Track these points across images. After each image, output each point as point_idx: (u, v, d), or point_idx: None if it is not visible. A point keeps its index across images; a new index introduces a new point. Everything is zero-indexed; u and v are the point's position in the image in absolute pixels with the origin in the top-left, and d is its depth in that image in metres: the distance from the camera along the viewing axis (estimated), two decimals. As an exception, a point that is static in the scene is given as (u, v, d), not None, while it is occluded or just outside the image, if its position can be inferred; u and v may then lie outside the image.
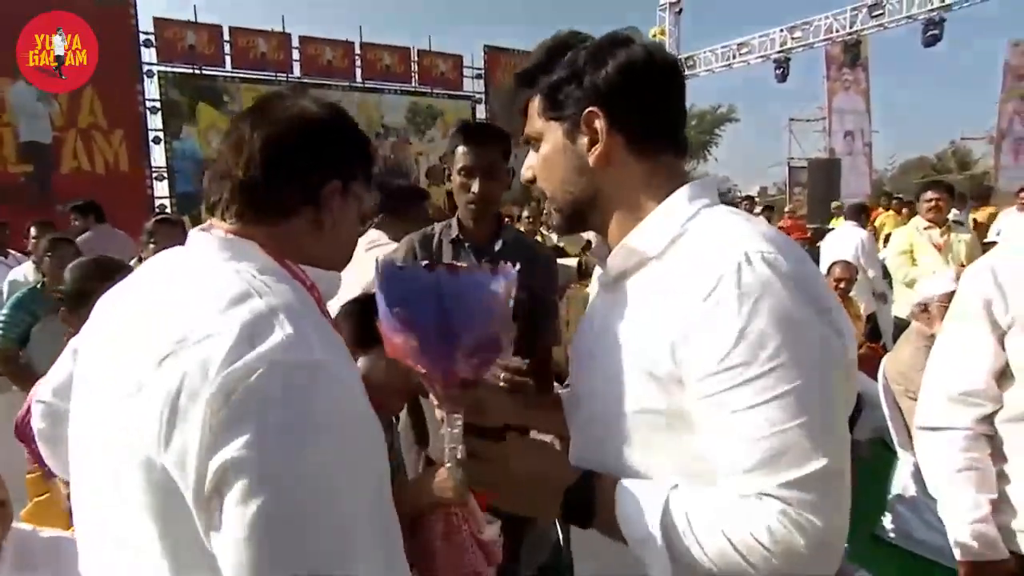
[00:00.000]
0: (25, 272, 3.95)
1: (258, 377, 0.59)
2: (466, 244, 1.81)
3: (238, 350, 0.60)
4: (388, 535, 0.67)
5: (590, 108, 0.81)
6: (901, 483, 2.75)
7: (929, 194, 4.23)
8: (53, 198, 9.30)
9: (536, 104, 0.88)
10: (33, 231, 4.28)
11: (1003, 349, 1.30)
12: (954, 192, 4.65)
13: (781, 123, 21.39)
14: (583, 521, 0.79)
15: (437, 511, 1.22)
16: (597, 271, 1.04)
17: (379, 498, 0.66)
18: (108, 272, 1.68)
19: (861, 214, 5.49)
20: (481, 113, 14.03)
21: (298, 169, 0.76)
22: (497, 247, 1.80)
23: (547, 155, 0.87)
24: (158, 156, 10.79)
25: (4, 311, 2.98)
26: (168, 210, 9.96)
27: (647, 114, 0.83)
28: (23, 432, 1.57)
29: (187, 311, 0.65)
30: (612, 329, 0.84)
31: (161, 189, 10.82)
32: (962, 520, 1.32)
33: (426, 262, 0.91)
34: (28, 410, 1.58)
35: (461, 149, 1.75)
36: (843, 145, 14.16)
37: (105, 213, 4.93)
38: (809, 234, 7.60)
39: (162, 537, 0.63)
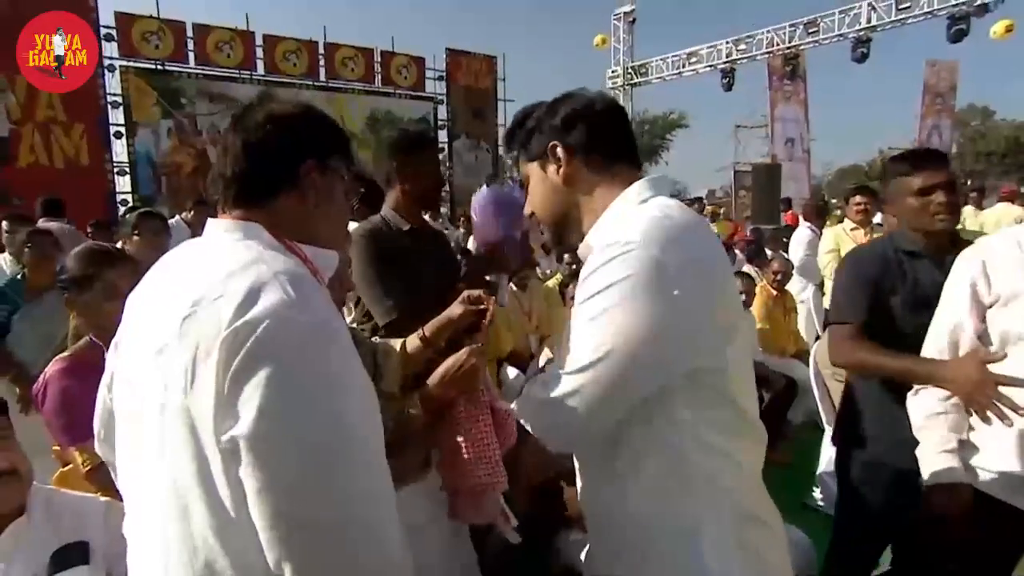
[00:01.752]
0: (2, 261, 3.96)
1: (264, 329, 0.69)
2: (417, 230, 2.06)
3: (245, 306, 0.70)
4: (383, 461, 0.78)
5: (551, 143, 1.06)
6: (827, 457, 3.05)
7: (857, 198, 4.60)
8: (7, 192, 9.10)
9: (521, 157, 1.15)
10: (5, 224, 4.25)
11: (983, 322, 1.53)
12: (879, 196, 4.88)
13: (727, 129, 22.41)
14: None
15: (461, 395, 1.40)
16: None
17: (378, 434, 0.77)
18: (111, 258, 1.77)
19: (821, 215, 5.76)
20: (443, 114, 14.32)
21: (274, 156, 0.87)
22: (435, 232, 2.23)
23: (533, 188, 1.13)
24: (120, 150, 10.64)
25: None
26: (130, 204, 9.87)
27: (596, 139, 1.06)
28: (39, 405, 1.68)
29: (202, 278, 0.75)
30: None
31: (123, 184, 10.67)
32: (932, 452, 1.56)
33: None
34: (44, 384, 1.69)
35: (402, 157, 2.02)
36: (784, 151, 14.99)
37: (66, 207, 4.98)
38: (747, 234, 8.17)
39: (196, 478, 0.72)
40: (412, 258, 1.95)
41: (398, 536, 0.75)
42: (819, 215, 5.77)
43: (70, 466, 1.76)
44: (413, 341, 1.53)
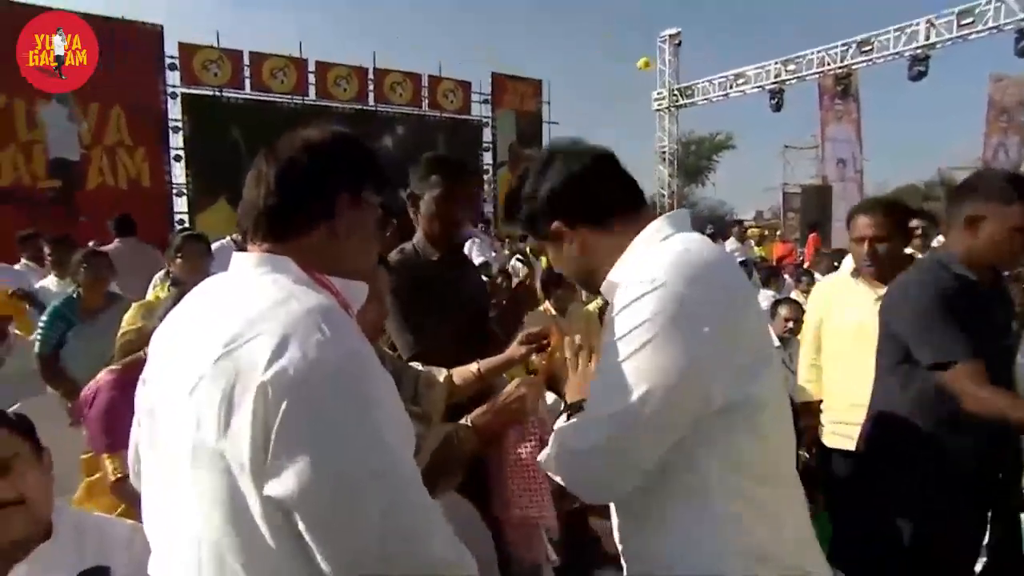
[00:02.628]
0: (50, 282, 4.18)
1: (301, 375, 0.68)
2: (446, 259, 2.02)
3: (280, 350, 0.68)
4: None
5: (554, 224, 1.08)
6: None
7: (914, 222, 4.36)
8: (77, 212, 9.65)
9: (532, 236, 1.18)
10: (48, 248, 4.45)
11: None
12: (937, 220, 4.80)
13: (776, 150, 21.95)
14: None
15: (511, 425, 1.39)
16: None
17: (411, 451, 0.79)
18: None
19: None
20: (488, 136, 14.51)
21: (308, 190, 0.85)
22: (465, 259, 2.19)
23: (554, 257, 1.16)
24: (179, 173, 11.19)
25: (43, 320, 3.18)
26: (187, 225, 10.32)
27: (593, 203, 1.07)
28: (80, 414, 1.76)
29: (234, 317, 0.73)
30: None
31: (180, 204, 11.20)
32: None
33: None
34: (95, 391, 1.74)
35: (437, 179, 1.93)
36: (835, 172, 14.56)
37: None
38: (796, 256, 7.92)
39: (232, 523, 0.71)
40: (439, 288, 1.94)
41: (449, 538, 0.78)
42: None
43: (97, 475, 1.77)
44: (464, 374, 1.54)
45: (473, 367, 1.56)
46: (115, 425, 1.65)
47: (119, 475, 1.60)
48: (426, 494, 0.75)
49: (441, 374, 1.54)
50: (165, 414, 0.79)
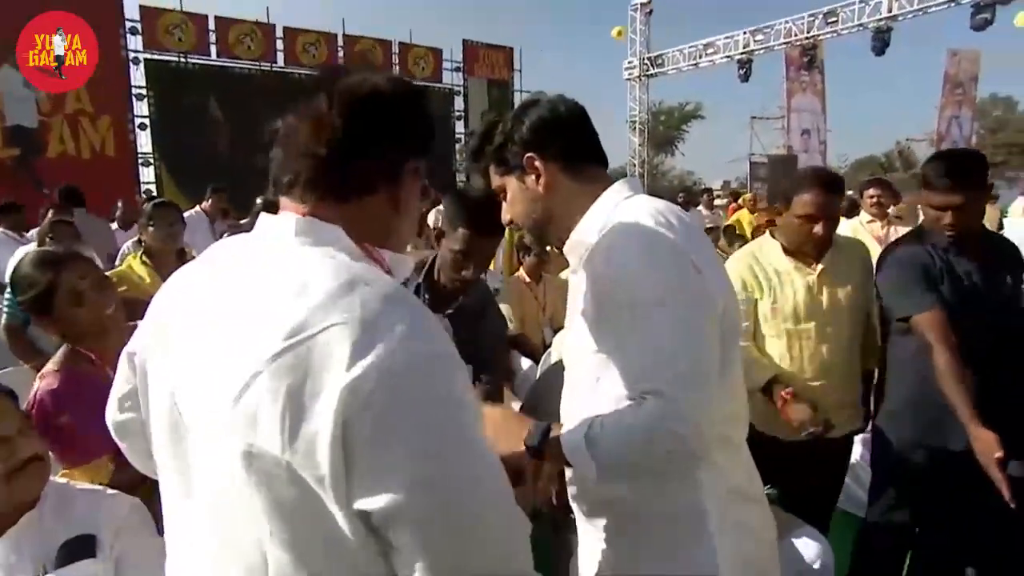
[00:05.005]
0: (29, 251, 4.11)
1: (392, 378, 0.58)
2: (426, 296, 1.81)
3: (364, 343, 0.58)
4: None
5: (527, 155, 1.08)
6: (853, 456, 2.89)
7: (871, 191, 4.53)
8: (39, 182, 9.37)
9: (492, 168, 1.15)
10: (51, 214, 4.33)
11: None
12: (893, 189, 4.86)
13: (743, 121, 22.26)
14: (539, 447, 0.99)
15: None
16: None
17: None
18: (60, 261, 1.61)
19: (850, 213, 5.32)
20: (459, 104, 14.41)
21: (382, 146, 0.73)
22: (463, 310, 1.82)
23: (511, 199, 1.14)
24: (144, 142, 10.89)
25: (8, 292, 2.93)
26: (155, 195, 10.11)
27: (569, 144, 1.09)
28: (39, 411, 1.49)
29: (292, 302, 0.61)
30: (577, 302, 1.09)
31: (147, 175, 10.93)
32: None
33: None
34: (36, 399, 1.50)
35: (464, 233, 1.67)
36: (800, 143, 14.91)
37: (89, 198, 5.12)
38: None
39: (305, 540, 0.62)
40: None
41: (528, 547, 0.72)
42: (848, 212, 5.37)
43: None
44: None
45: None
46: (79, 436, 1.47)
47: (107, 480, 1.44)
48: (513, 499, 0.68)
49: None
50: (198, 413, 0.67)
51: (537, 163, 1.08)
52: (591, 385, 1.04)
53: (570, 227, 1.10)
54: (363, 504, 0.59)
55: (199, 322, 0.69)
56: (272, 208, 0.77)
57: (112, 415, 0.91)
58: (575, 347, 1.10)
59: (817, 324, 1.97)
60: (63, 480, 1.37)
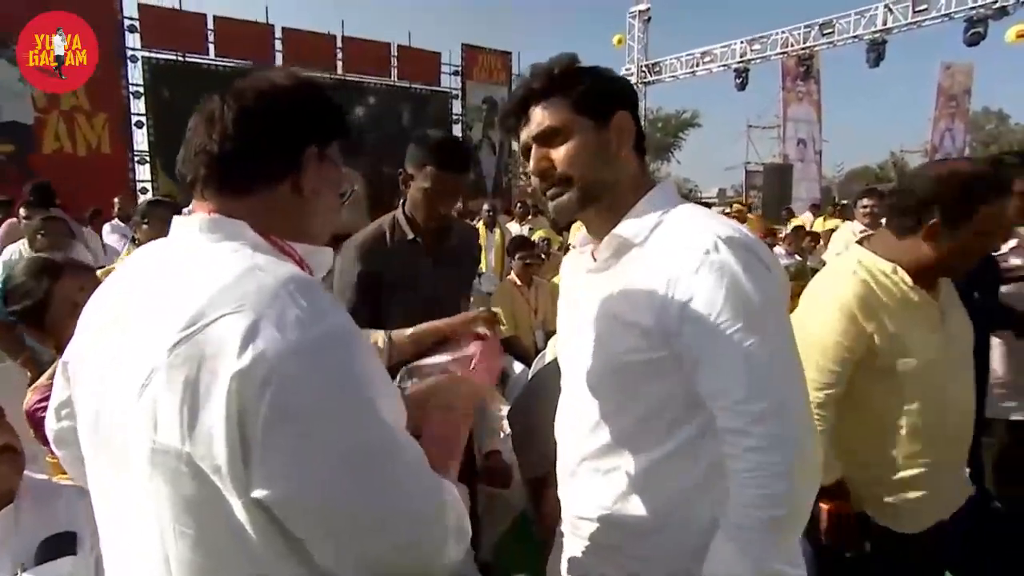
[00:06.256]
0: (20, 248, 3.95)
1: (282, 362, 0.58)
2: (419, 244, 1.87)
3: (255, 328, 0.58)
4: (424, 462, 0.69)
5: (621, 110, 1.00)
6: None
7: (865, 201, 4.56)
8: (34, 178, 9.31)
9: (562, 105, 1.00)
10: (23, 211, 4.43)
11: None
12: (886, 199, 5.07)
13: (739, 129, 22.35)
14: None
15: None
16: (565, 263, 1.26)
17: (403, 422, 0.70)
18: (58, 270, 1.55)
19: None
20: (457, 108, 14.43)
21: (273, 137, 0.74)
22: (449, 248, 1.93)
23: (578, 146, 0.99)
24: (140, 140, 10.85)
25: None
26: (150, 194, 10.08)
27: (638, 123, 1.04)
28: (33, 421, 1.46)
29: (189, 295, 0.62)
30: (602, 301, 1.00)
31: (143, 172, 10.88)
32: None
33: None
34: (38, 400, 1.48)
35: (431, 171, 1.76)
36: (796, 152, 15.02)
37: (84, 195, 5.28)
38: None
39: (208, 535, 0.62)
40: (403, 276, 1.82)
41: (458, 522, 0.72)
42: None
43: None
44: (399, 338, 1.46)
45: (407, 332, 1.46)
46: None
47: None
48: (430, 473, 0.69)
49: (379, 337, 1.47)
50: (110, 413, 0.67)
51: (625, 123, 1.00)
52: (621, 396, 0.98)
53: (619, 209, 1.01)
54: (261, 493, 0.59)
55: (110, 326, 0.70)
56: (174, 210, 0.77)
57: (50, 425, 0.92)
58: (588, 354, 1.01)
59: (951, 369, 1.47)
60: (43, 477, 1.36)
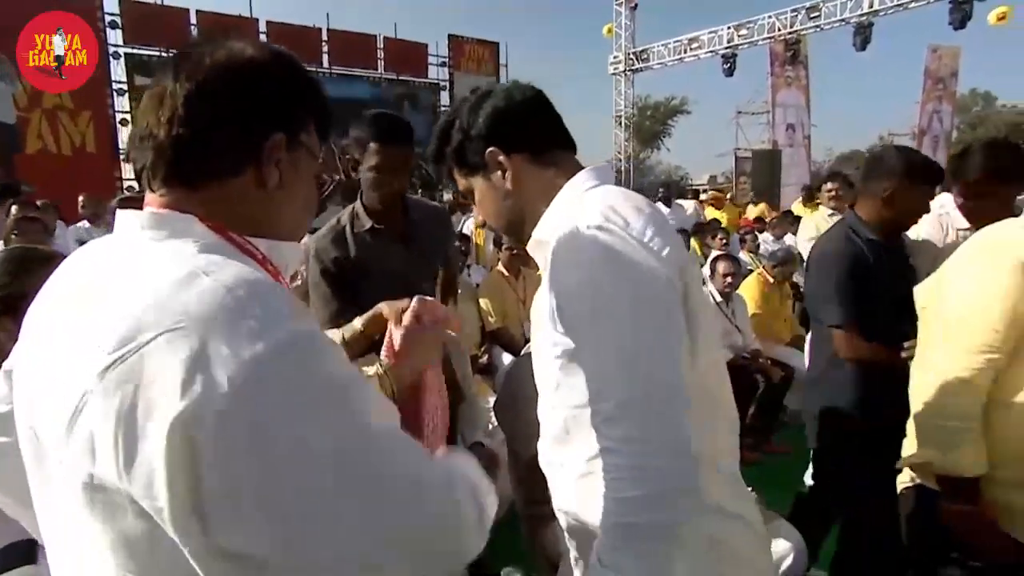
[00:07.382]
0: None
1: (237, 378, 0.49)
2: (382, 230, 1.84)
3: (201, 350, 0.50)
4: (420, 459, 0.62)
5: (488, 150, 1.00)
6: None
7: (828, 184, 4.53)
8: (18, 178, 9.22)
9: (455, 171, 1.07)
10: (15, 210, 4.15)
11: None
12: (850, 182, 4.65)
13: (729, 115, 22.38)
14: None
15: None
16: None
17: (392, 415, 0.64)
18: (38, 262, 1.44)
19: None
20: (445, 99, 14.37)
21: (232, 121, 0.64)
22: (412, 226, 1.89)
23: (481, 200, 1.06)
24: (125, 137, 10.74)
25: None
26: (135, 191, 10.00)
27: (528, 132, 1.01)
28: None
29: (123, 308, 0.53)
30: (536, 298, 1.02)
31: (128, 171, 10.77)
32: None
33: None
34: None
35: (374, 147, 1.74)
36: (785, 137, 15.03)
37: (70, 193, 5.10)
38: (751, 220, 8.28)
39: (139, 570, 0.55)
40: (366, 266, 1.79)
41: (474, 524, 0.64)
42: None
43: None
44: (352, 331, 1.33)
45: (357, 323, 1.33)
46: None
47: None
48: (433, 472, 0.61)
49: (336, 337, 1.36)
50: (46, 436, 0.59)
51: (500, 158, 1.00)
52: (553, 390, 0.97)
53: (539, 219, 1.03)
54: (228, 543, 0.51)
55: (44, 337, 0.62)
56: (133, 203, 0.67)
57: None
58: (538, 349, 1.01)
59: None
60: None
